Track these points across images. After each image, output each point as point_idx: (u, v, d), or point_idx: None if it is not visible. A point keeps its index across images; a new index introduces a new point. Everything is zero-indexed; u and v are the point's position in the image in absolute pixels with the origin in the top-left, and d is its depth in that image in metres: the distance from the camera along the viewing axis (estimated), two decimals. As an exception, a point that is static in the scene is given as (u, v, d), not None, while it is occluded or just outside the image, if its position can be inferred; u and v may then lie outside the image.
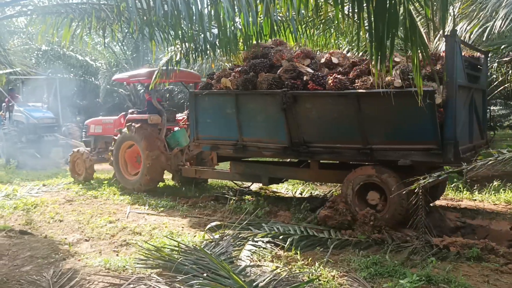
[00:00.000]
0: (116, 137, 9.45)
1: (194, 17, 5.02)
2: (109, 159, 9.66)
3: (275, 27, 6.01)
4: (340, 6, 3.90)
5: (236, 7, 4.81)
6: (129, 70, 17.10)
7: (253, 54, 7.20)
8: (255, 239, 5.42)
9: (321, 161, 7.08)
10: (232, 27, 5.39)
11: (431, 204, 6.80)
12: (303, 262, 4.83)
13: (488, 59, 7.77)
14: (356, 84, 6.06)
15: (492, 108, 22.44)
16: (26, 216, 7.19)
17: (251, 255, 4.97)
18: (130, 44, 20.53)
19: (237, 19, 5.34)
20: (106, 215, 7.12)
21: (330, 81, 6.14)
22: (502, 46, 8.67)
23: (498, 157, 4.26)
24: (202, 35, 5.85)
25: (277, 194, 8.97)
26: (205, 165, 9.57)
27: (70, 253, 5.32)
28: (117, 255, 5.23)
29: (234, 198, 7.89)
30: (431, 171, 5.97)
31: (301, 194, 8.84)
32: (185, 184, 9.51)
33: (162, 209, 7.59)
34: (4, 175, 11.59)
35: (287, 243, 5.35)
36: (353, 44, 8.49)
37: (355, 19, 3.66)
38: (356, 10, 3.58)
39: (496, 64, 9.22)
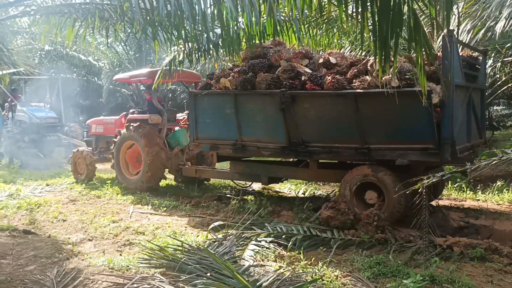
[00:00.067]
0: (116, 139, 9.50)
1: (197, 17, 5.02)
2: (111, 160, 9.70)
3: (278, 27, 6.01)
4: (343, 6, 3.89)
5: (239, 7, 4.81)
6: (132, 70, 17.10)
7: (252, 54, 7.21)
8: (258, 239, 5.42)
9: (320, 161, 7.09)
10: (235, 27, 5.39)
11: (432, 203, 6.80)
12: (306, 262, 4.83)
13: (492, 58, 7.76)
14: (353, 84, 6.09)
15: (495, 107, 22.36)
16: (30, 215, 7.21)
17: (254, 255, 4.97)
18: (133, 44, 20.54)
19: (240, 19, 5.35)
20: (109, 215, 7.13)
21: (327, 81, 6.17)
22: (506, 45, 8.63)
23: (502, 157, 4.25)
24: (205, 35, 5.85)
25: (280, 194, 8.97)
26: (206, 162, 9.63)
27: (74, 252, 5.33)
28: (120, 254, 5.24)
29: (237, 198, 7.89)
30: (428, 170, 6.02)
31: (304, 194, 8.84)
32: (188, 184, 9.52)
33: (165, 209, 7.60)
34: (7, 175, 11.63)
35: (290, 243, 5.35)
36: (356, 44, 8.48)
37: (358, 19, 3.64)
38: (360, 10, 3.57)
39: (499, 64, 9.18)
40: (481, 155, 6.00)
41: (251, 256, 4.92)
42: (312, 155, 6.71)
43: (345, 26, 7.52)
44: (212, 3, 5.11)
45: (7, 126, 14.59)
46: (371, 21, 3.65)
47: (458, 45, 6.34)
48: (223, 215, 7.04)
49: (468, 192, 8.53)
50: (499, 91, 11.09)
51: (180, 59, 7.32)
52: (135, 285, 3.95)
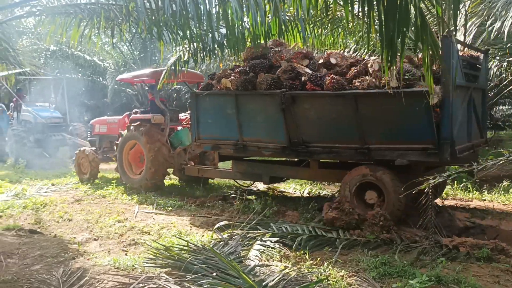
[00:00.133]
0: (117, 142, 9.54)
1: (202, 17, 5.02)
2: (115, 161, 9.75)
3: (283, 27, 6.00)
4: (349, 5, 3.87)
5: (244, 7, 4.80)
6: (136, 70, 17.14)
7: (253, 54, 7.22)
8: (264, 238, 5.41)
9: (320, 161, 7.09)
10: (240, 27, 5.38)
11: (437, 203, 6.78)
12: (311, 262, 4.82)
13: (498, 58, 7.71)
14: (353, 84, 6.08)
15: (500, 107, 22.24)
16: (36, 215, 7.24)
17: (260, 254, 4.97)
18: (138, 44, 20.61)
19: (245, 19, 5.33)
20: (114, 215, 7.15)
21: (327, 82, 6.17)
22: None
23: (509, 157, 4.23)
24: (210, 35, 5.84)
25: (285, 194, 8.97)
26: (208, 159, 9.68)
27: (79, 252, 5.35)
28: (126, 254, 5.25)
29: (242, 197, 7.89)
30: (428, 170, 6.01)
31: (309, 193, 8.83)
32: (193, 184, 9.53)
33: (170, 208, 7.61)
34: (13, 175, 11.68)
35: (296, 243, 5.34)
36: (361, 43, 8.47)
37: (365, 18, 3.63)
38: (366, 9, 3.55)
39: (506, 63, 9.14)
40: (488, 155, 5.96)
41: (257, 256, 4.91)
42: (312, 155, 6.72)
43: (350, 26, 7.51)
44: (217, 3, 5.12)
45: (13, 126, 14.66)
46: (377, 20, 3.64)
47: (458, 45, 6.31)
48: (228, 215, 7.05)
49: (474, 192, 8.50)
50: (504, 91, 11.04)
51: (185, 59, 7.34)
52: (141, 285, 3.96)
